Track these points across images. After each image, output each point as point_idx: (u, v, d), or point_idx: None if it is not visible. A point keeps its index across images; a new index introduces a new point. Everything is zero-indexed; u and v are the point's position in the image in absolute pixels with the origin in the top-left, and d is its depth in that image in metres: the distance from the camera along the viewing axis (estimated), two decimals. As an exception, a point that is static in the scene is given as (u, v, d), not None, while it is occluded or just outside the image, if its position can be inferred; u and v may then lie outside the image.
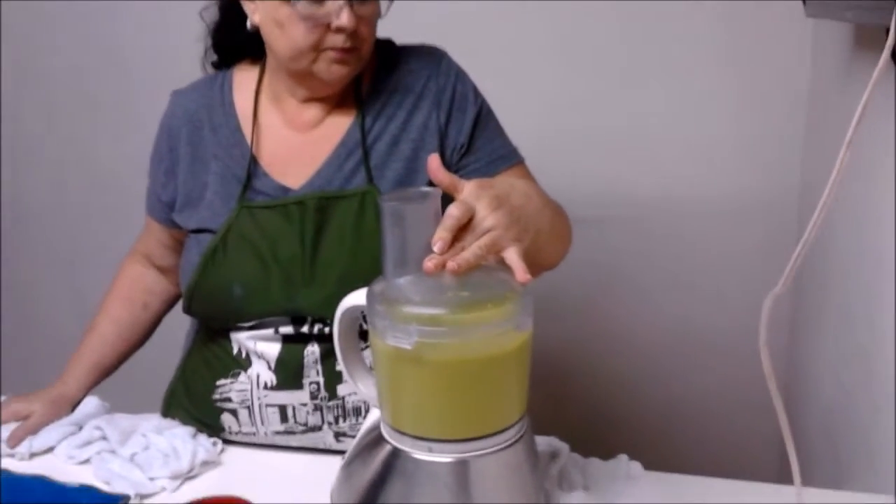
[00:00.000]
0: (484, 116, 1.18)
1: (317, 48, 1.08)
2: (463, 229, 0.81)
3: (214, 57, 1.26)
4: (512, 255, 0.82)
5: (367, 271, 0.87)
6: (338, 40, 1.07)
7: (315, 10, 1.05)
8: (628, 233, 1.87)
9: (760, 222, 1.80)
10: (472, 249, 0.79)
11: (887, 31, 1.06)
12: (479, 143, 1.16)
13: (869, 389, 1.22)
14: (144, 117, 1.97)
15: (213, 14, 1.22)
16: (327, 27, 1.06)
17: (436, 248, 0.78)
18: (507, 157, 1.18)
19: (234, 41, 1.20)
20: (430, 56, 1.19)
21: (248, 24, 1.12)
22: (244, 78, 1.22)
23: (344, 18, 1.05)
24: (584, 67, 1.80)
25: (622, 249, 1.88)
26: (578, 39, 1.79)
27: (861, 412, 1.26)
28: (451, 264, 0.78)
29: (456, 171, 1.16)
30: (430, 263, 0.78)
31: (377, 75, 1.18)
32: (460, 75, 1.18)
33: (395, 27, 1.15)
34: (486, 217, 0.82)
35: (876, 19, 0.94)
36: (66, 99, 2.12)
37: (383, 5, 1.11)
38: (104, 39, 2.03)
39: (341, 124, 1.16)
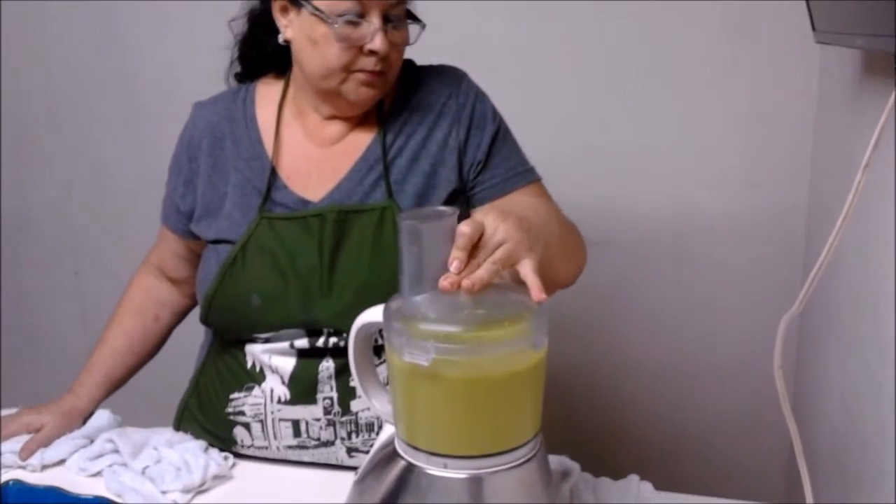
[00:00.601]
0: (502, 135, 1.20)
1: (348, 69, 1.10)
2: (475, 247, 0.82)
3: (239, 69, 1.27)
4: (527, 271, 0.83)
5: (384, 285, 0.88)
6: (369, 63, 1.09)
7: (351, 31, 1.07)
8: (635, 254, 1.88)
9: (768, 244, 1.81)
10: (485, 266, 0.81)
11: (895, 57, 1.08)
12: (495, 160, 1.18)
13: (876, 410, 1.22)
14: (151, 128, 2.01)
15: (241, 26, 1.24)
16: (360, 49, 1.08)
17: (452, 268, 0.80)
18: (523, 175, 1.19)
19: (262, 54, 1.21)
20: (451, 76, 1.21)
21: (280, 38, 1.14)
22: (267, 92, 1.23)
23: (378, 42, 1.07)
24: (593, 90, 1.82)
25: (629, 270, 1.88)
26: (586, 60, 1.80)
27: (868, 433, 1.26)
28: (466, 283, 0.79)
29: (472, 188, 1.17)
30: (445, 282, 0.79)
31: (398, 93, 1.19)
32: (479, 95, 1.20)
33: (415, 47, 1.16)
34: (497, 230, 0.83)
35: (886, 47, 0.95)
36: (71, 108, 2.13)
37: (412, 32, 1.13)
38: (111, 48, 2.04)
39: (362, 140, 1.18)
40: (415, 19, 1.15)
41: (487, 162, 1.18)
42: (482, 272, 0.80)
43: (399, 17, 1.11)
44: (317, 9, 1.08)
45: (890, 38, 0.92)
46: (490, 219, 0.83)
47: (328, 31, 1.08)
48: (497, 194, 1.17)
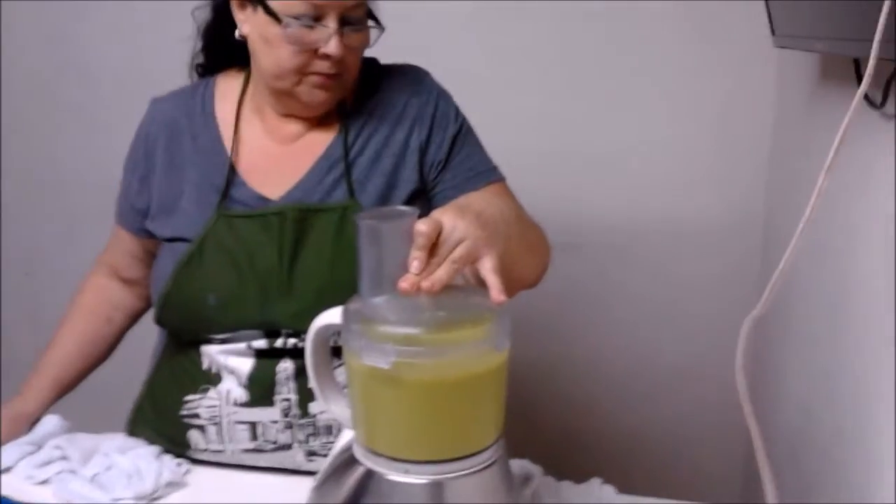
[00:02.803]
0: (463, 134, 1.19)
1: (301, 71, 1.08)
2: (435, 245, 0.81)
3: (202, 60, 1.25)
4: (487, 271, 0.82)
5: (345, 285, 0.86)
6: (323, 66, 1.07)
7: (305, 34, 1.05)
8: (598, 258, 1.89)
9: (726, 248, 1.83)
10: (445, 266, 0.80)
11: (855, 61, 1.09)
12: (456, 159, 1.17)
13: (832, 411, 1.23)
14: (108, 125, 1.96)
15: (205, 14, 1.21)
16: (315, 52, 1.06)
17: (412, 269, 0.79)
18: (485, 174, 1.18)
19: (225, 45, 1.17)
20: (413, 75, 1.19)
21: (237, 33, 1.12)
22: (227, 87, 1.21)
23: (333, 46, 1.05)
24: (557, 93, 1.82)
25: (592, 274, 1.89)
26: (551, 63, 1.81)
27: (825, 433, 1.28)
28: (425, 284, 0.78)
29: (433, 188, 1.16)
30: (405, 284, 0.78)
31: (360, 92, 1.18)
32: (442, 94, 1.19)
33: (383, 47, 1.14)
34: (455, 228, 0.82)
35: (846, 51, 0.96)
36: (25, 102, 2.08)
37: (372, 35, 1.11)
38: (67, 41, 2.00)
39: (323, 138, 1.16)
40: (375, 21, 1.13)
41: (448, 161, 1.17)
42: (441, 272, 0.79)
43: (358, 20, 1.09)
44: (269, 9, 1.06)
45: (849, 41, 0.93)
46: (448, 216, 0.83)
47: (280, 32, 1.05)
48: (458, 194, 1.15)
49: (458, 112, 1.19)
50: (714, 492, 1.12)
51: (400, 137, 1.15)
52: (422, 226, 0.79)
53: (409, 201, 1.14)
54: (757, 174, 1.78)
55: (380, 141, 1.15)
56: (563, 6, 1.76)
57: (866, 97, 0.95)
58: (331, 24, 1.05)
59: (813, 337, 1.38)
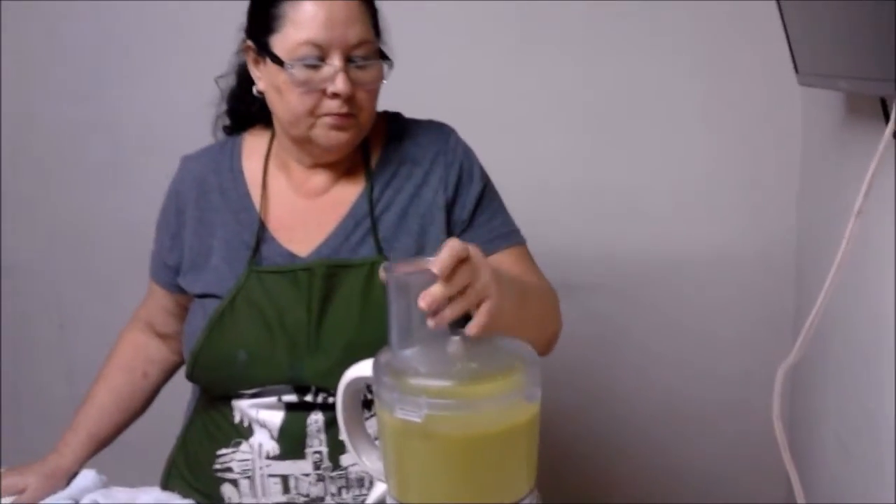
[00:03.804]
0: (487, 195, 1.19)
1: (314, 114, 1.09)
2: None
3: (227, 121, 1.27)
4: (482, 311, 0.83)
5: (373, 341, 0.86)
6: (333, 106, 1.08)
7: (311, 75, 1.07)
8: (624, 297, 1.87)
9: (757, 283, 1.81)
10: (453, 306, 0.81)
11: (881, 100, 1.09)
12: (479, 220, 1.18)
13: (875, 452, 1.21)
14: (136, 178, 2.00)
15: (230, 81, 1.24)
16: (323, 93, 1.08)
17: (435, 268, 0.79)
18: (506, 236, 1.18)
19: (249, 107, 1.20)
20: (439, 132, 1.20)
21: (255, 89, 1.14)
22: (254, 144, 1.23)
23: (339, 84, 1.06)
24: (580, 132, 1.82)
25: (618, 314, 1.88)
26: (573, 103, 1.81)
27: (867, 475, 1.25)
28: (471, 329, 0.81)
29: None
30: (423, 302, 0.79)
31: (386, 147, 1.19)
32: (467, 153, 1.20)
33: (399, 90, 1.15)
34: (476, 262, 0.84)
35: (870, 90, 0.96)
36: (60, 162, 2.11)
37: (384, 70, 1.12)
38: (96, 97, 2.04)
39: (349, 193, 1.17)
40: (384, 57, 1.13)
41: (472, 221, 1.17)
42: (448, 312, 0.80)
43: (365, 56, 1.09)
44: (274, 56, 1.08)
45: (874, 81, 0.93)
46: (472, 248, 0.84)
47: (288, 78, 1.07)
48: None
49: (482, 171, 1.20)
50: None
51: (427, 196, 1.16)
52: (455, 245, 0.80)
53: None
54: (786, 212, 1.77)
55: (406, 198, 1.16)
56: (586, 43, 1.77)
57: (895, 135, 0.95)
58: (336, 62, 1.06)
59: (850, 376, 1.35)
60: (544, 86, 1.81)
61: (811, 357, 1.57)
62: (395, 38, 1.18)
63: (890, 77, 0.85)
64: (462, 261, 0.81)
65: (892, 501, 1.10)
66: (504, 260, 1.15)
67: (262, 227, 1.16)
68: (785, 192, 1.76)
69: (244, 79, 1.20)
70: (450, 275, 0.80)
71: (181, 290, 1.22)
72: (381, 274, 0.82)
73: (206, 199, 1.20)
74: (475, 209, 1.17)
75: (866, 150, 0.79)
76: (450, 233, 1.16)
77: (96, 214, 2.13)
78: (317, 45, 1.06)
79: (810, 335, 0.68)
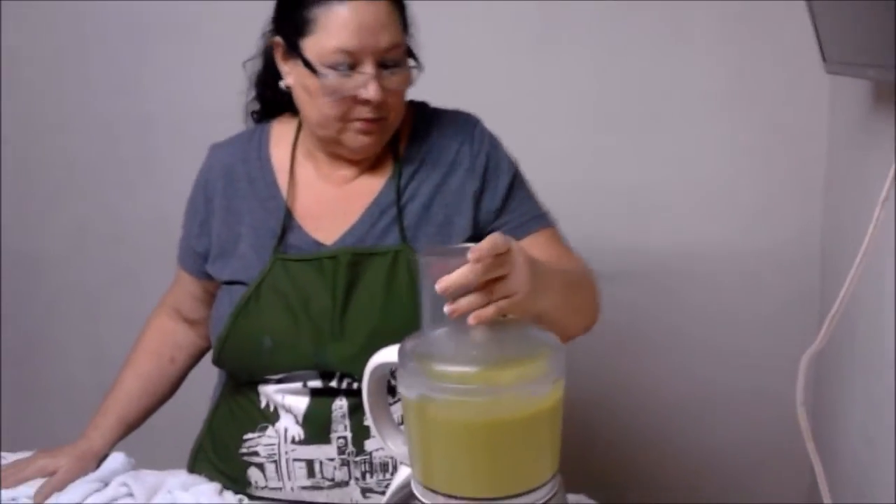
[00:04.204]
0: (517, 183, 1.20)
1: (344, 119, 1.10)
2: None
3: (256, 107, 1.28)
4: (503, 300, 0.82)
5: (396, 329, 0.87)
6: (364, 112, 1.08)
7: (343, 82, 1.06)
8: (650, 287, 1.86)
9: (782, 273, 1.80)
10: (493, 306, 0.81)
11: (909, 87, 1.08)
12: (511, 206, 1.18)
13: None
14: (165, 169, 2.02)
15: (256, 65, 1.24)
16: (354, 98, 1.07)
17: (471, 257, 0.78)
18: (537, 220, 1.19)
19: (276, 93, 1.20)
20: (465, 123, 1.21)
21: (282, 84, 1.15)
22: (282, 132, 1.23)
23: (371, 91, 1.06)
24: (601, 122, 1.82)
25: (647, 305, 1.87)
26: (594, 93, 1.81)
27: (890, 464, 1.24)
28: (471, 319, 0.79)
29: (488, 233, 1.17)
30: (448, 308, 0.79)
31: (413, 137, 1.20)
32: (493, 143, 1.20)
33: (420, 86, 1.15)
34: (514, 256, 0.84)
35: (898, 77, 0.95)
36: (88, 152, 2.14)
37: (413, 73, 1.12)
38: (125, 90, 2.06)
39: (375, 183, 1.18)
40: (414, 58, 1.13)
41: (503, 208, 1.18)
42: (490, 310, 0.80)
43: (396, 61, 1.09)
44: (306, 61, 1.07)
45: (901, 69, 0.92)
46: (513, 243, 0.85)
47: (318, 83, 1.07)
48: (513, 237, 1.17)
49: (509, 160, 1.21)
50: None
51: (453, 186, 1.17)
52: (486, 242, 0.80)
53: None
54: (812, 200, 1.75)
55: (432, 188, 1.17)
56: (608, 36, 1.76)
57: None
58: (367, 69, 1.06)
59: (875, 366, 1.35)
60: (566, 76, 1.80)
61: (836, 346, 1.56)
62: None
63: (918, 64, 0.84)
64: (500, 254, 0.81)
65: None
66: (536, 242, 1.16)
67: (288, 215, 1.17)
68: (811, 181, 1.75)
69: (270, 65, 1.19)
70: (483, 265, 0.79)
71: (209, 277, 1.23)
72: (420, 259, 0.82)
73: (234, 187, 1.21)
74: (506, 197, 1.18)
75: (893, 138, 0.78)
76: (476, 222, 1.16)
77: (126, 207, 2.15)
78: (349, 53, 1.05)
79: (835, 323, 0.68)
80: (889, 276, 1.23)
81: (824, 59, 1.29)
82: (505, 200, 1.18)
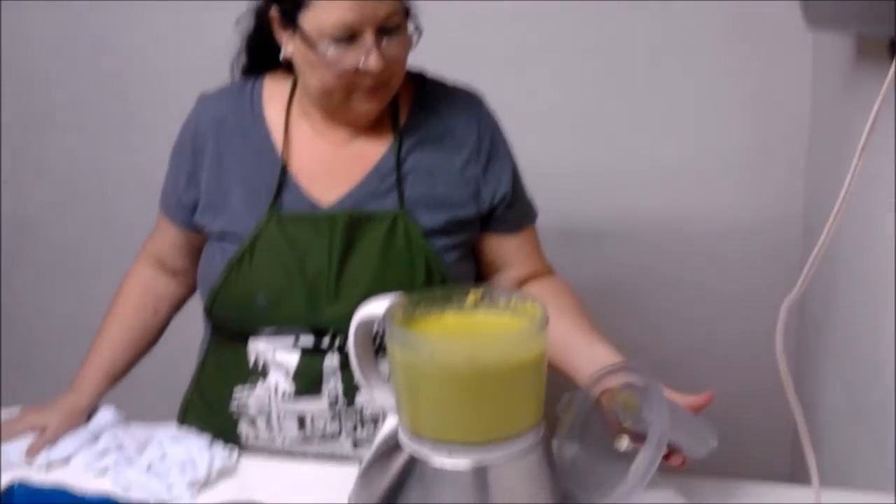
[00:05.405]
0: (518, 170, 1.23)
1: (347, 89, 1.09)
2: None
3: (245, 62, 1.24)
4: None
5: (392, 291, 0.88)
6: (367, 81, 1.07)
7: (343, 54, 1.05)
8: (635, 245, 1.88)
9: (766, 234, 1.82)
10: None
11: (891, 41, 1.09)
12: (516, 196, 1.21)
13: (876, 389, 1.23)
14: (148, 127, 2.00)
15: (248, 22, 1.20)
16: (356, 70, 1.06)
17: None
18: (530, 215, 1.25)
19: (269, 52, 1.17)
20: (470, 101, 1.21)
21: (281, 55, 1.12)
22: (276, 89, 1.21)
23: (372, 62, 1.05)
24: (586, 80, 1.82)
25: (632, 264, 1.89)
26: (581, 54, 1.81)
27: (870, 411, 1.27)
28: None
29: (492, 219, 1.20)
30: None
31: (416, 108, 1.19)
32: (497, 126, 1.21)
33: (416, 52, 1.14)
34: None
35: (881, 31, 0.96)
36: (70, 107, 2.12)
37: (413, 38, 1.10)
38: (106, 48, 2.03)
39: (375, 148, 1.17)
40: (413, 20, 1.11)
41: (513, 198, 1.20)
42: None
43: (396, 26, 1.07)
44: (305, 35, 1.06)
45: (885, 23, 0.93)
46: None
47: (319, 56, 1.05)
48: (513, 230, 1.22)
49: (509, 146, 1.22)
50: (761, 472, 1.13)
51: (456, 165, 1.17)
52: None
53: (458, 226, 1.16)
54: (796, 159, 1.77)
55: (433, 163, 1.16)
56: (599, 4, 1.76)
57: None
58: (368, 38, 1.04)
59: (856, 316, 1.37)
60: (555, 43, 1.80)
61: (817, 299, 1.58)
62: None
63: (901, 17, 0.85)
64: None
65: (893, 438, 1.13)
66: (526, 241, 1.23)
67: (283, 172, 1.16)
68: (796, 141, 1.76)
69: (263, 23, 1.16)
70: None
71: (194, 229, 1.22)
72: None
73: (225, 139, 1.19)
74: (513, 186, 1.20)
75: (876, 95, 0.79)
76: (478, 204, 1.18)
77: (108, 165, 2.14)
78: (348, 26, 1.04)
79: (814, 270, 0.70)
80: (869, 229, 1.24)
81: (806, 15, 1.29)
82: (513, 189, 1.20)
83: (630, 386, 0.95)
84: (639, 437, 0.91)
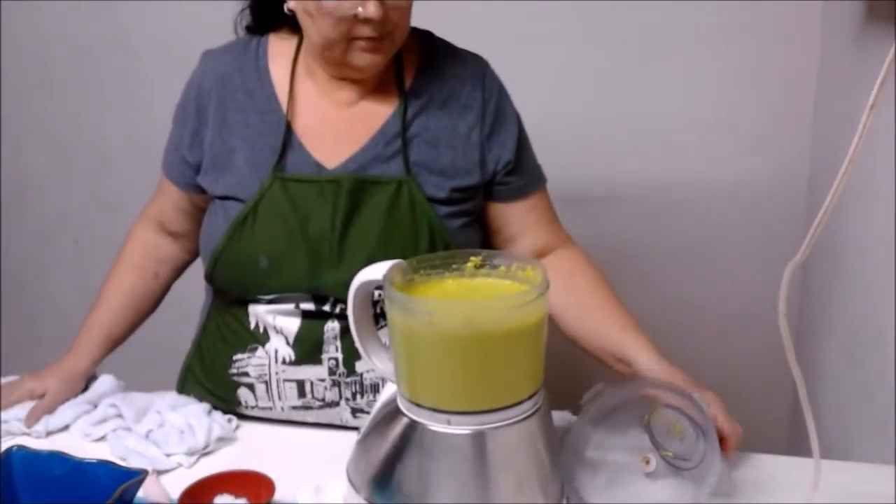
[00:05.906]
0: (524, 135, 1.21)
1: (347, 38, 1.06)
2: None
3: (250, 20, 1.22)
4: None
5: (394, 258, 0.87)
6: (366, 30, 1.05)
7: (340, 3, 1.03)
8: (639, 210, 1.88)
9: (771, 199, 1.81)
10: None
11: (901, 2, 1.06)
12: (522, 161, 1.19)
13: (877, 355, 1.22)
14: (147, 92, 1.99)
15: None
16: (355, 17, 1.04)
17: None
18: (539, 178, 1.23)
19: (273, 11, 1.15)
20: (476, 66, 1.19)
21: (286, 7, 1.10)
22: (280, 47, 1.18)
23: (370, 10, 1.03)
24: (596, 48, 1.80)
25: (637, 229, 1.89)
26: (588, 19, 1.79)
27: (870, 377, 1.27)
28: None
29: (498, 185, 1.19)
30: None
31: (422, 71, 1.17)
32: (503, 91, 1.19)
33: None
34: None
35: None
36: (69, 75, 2.11)
37: None
38: (105, 12, 2.02)
39: (381, 110, 1.15)
40: None
41: (517, 162, 1.18)
42: None
43: None
44: None
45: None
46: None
47: (318, 5, 1.04)
48: (518, 196, 1.20)
49: (516, 110, 1.20)
50: (762, 440, 1.12)
51: (462, 131, 1.15)
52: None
53: (463, 193, 1.15)
54: (803, 124, 1.75)
55: (439, 127, 1.15)
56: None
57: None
58: None
59: (857, 283, 1.36)
60: (564, 8, 1.78)
61: (821, 265, 1.57)
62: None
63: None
64: None
65: (893, 406, 1.12)
66: (536, 205, 1.21)
67: (288, 131, 1.14)
68: (803, 105, 1.74)
69: None
70: None
71: (197, 190, 1.20)
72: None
73: (230, 97, 1.17)
74: (518, 152, 1.18)
75: (883, 56, 0.77)
76: (483, 170, 1.16)
77: (107, 129, 2.13)
78: None
79: (818, 232, 0.69)
80: (874, 194, 1.23)
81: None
82: (517, 155, 1.18)
83: (677, 410, 0.96)
84: (668, 464, 0.93)
